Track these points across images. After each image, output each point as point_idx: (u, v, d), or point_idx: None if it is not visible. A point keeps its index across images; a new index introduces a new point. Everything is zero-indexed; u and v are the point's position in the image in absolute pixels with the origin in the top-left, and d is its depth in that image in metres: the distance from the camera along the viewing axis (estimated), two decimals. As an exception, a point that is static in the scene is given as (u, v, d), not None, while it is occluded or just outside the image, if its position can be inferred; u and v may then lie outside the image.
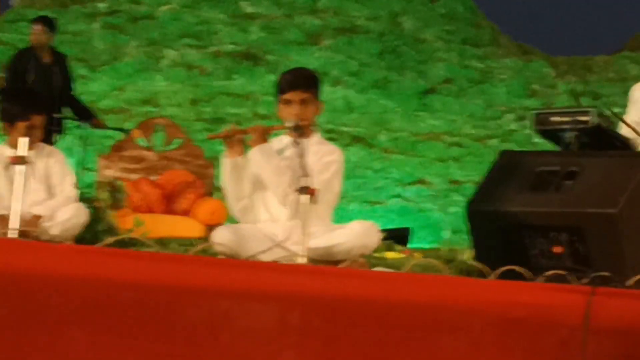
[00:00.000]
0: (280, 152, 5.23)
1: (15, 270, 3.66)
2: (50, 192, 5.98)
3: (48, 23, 10.00)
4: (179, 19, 15.02)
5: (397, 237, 10.18)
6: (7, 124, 6.08)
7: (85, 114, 10.16)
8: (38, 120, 6.00)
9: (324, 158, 5.20)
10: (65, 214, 5.80)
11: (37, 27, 9.88)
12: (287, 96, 5.20)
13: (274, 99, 5.37)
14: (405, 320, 3.83)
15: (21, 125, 5.94)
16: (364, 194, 14.12)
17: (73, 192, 6.14)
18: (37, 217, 5.69)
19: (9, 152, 5.60)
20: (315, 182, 4.77)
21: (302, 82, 5.28)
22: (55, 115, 9.18)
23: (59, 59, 10.08)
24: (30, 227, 5.52)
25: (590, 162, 4.84)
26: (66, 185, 6.04)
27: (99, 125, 10.34)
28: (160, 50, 14.78)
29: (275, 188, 5.12)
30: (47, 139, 7.56)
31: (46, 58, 9.87)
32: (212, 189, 10.56)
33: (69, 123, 10.07)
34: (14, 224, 5.05)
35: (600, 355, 3.79)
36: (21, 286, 3.64)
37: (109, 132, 11.71)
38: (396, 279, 4.28)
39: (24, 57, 9.94)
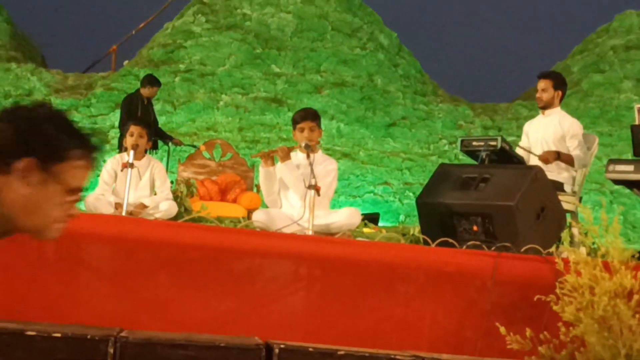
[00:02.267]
0: (297, 162, 5.22)
1: (124, 235, 3.66)
2: (152, 190, 5.91)
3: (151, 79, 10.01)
4: (231, 75, 14.99)
5: (370, 219, 10.15)
6: (124, 136, 5.95)
7: (168, 137, 10.21)
8: (137, 130, 5.83)
9: (327, 167, 5.18)
10: (165, 206, 5.71)
11: (145, 81, 9.89)
12: (301, 125, 5.17)
13: (292, 128, 5.35)
14: (376, 271, 3.82)
15: (131, 130, 5.82)
16: (348, 191, 14.10)
17: (170, 194, 6.06)
18: (144, 206, 5.65)
19: (125, 158, 5.54)
20: (320, 182, 4.77)
21: (311, 116, 5.25)
22: (153, 138, 9.21)
23: (152, 103, 10.05)
24: (138, 210, 5.52)
25: (497, 172, 4.80)
26: (165, 188, 5.94)
27: (178, 144, 10.36)
28: (219, 95, 14.74)
29: (296, 188, 5.11)
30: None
31: (147, 101, 9.84)
32: (252, 186, 10.55)
33: (159, 142, 10.07)
34: (125, 207, 5.09)
35: (502, 297, 3.79)
36: (128, 246, 3.64)
37: (185, 148, 11.71)
38: (371, 245, 4.27)
39: (135, 98, 9.87)
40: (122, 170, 5.51)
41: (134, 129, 5.80)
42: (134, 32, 17.03)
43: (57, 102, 14.36)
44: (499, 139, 5.22)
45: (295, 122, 5.26)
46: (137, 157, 5.68)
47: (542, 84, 5.88)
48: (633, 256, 3.53)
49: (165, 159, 10.31)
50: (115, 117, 11.54)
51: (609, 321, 3.33)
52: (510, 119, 15.78)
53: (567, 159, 5.65)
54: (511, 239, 4.31)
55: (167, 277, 3.64)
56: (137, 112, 9.59)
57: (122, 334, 3.08)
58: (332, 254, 3.83)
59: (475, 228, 4.57)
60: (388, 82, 15.79)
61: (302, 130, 5.17)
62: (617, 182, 5.35)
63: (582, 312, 3.38)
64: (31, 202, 1.75)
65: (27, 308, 3.45)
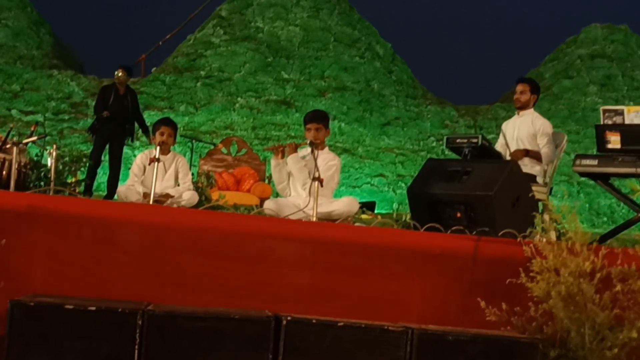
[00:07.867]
0: (303, 157, 5.22)
1: (152, 221, 3.65)
2: (177, 181, 5.90)
3: (127, 69, 8.73)
4: (246, 80, 14.98)
5: (368, 206, 10.15)
6: (153, 135, 5.93)
7: (146, 129, 8.89)
8: (167, 130, 5.82)
9: (329, 162, 5.18)
10: (187, 196, 5.69)
11: (120, 71, 8.59)
12: (308, 126, 5.22)
13: (299, 127, 5.35)
14: (372, 253, 3.80)
15: (162, 129, 5.79)
16: (348, 182, 14.10)
17: (192, 185, 6.02)
18: (169, 195, 5.64)
19: (153, 154, 5.51)
20: (322, 175, 4.75)
21: (315, 118, 5.27)
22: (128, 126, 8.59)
23: (130, 92, 8.84)
24: (163, 199, 5.51)
25: (478, 166, 4.78)
26: (187, 180, 5.92)
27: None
28: (235, 98, 14.74)
29: (301, 179, 5.12)
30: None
31: (122, 91, 8.65)
32: (264, 178, 10.56)
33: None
34: (152, 197, 5.08)
35: (482, 276, 3.77)
36: (155, 231, 3.62)
37: (206, 145, 11.69)
38: (368, 230, 4.26)
39: (109, 89, 8.67)
40: (149, 164, 5.52)
41: (164, 129, 5.83)
42: (160, 43, 17.01)
43: (93, 104, 14.39)
44: (480, 137, 5.20)
45: (304, 122, 5.29)
46: (164, 152, 5.69)
47: (521, 87, 5.88)
48: (594, 240, 3.53)
49: (188, 154, 10.29)
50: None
51: (574, 297, 3.33)
52: (490, 119, 15.75)
53: (535, 155, 5.68)
54: (490, 224, 4.29)
55: (189, 257, 3.63)
56: (108, 100, 8.51)
57: (149, 308, 3.09)
58: (334, 238, 3.81)
59: (458, 215, 4.55)
60: (383, 86, 15.76)
61: (309, 130, 5.21)
62: (583, 174, 5.33)
63: (551, 289, 3.37)
64: None
65: (65, 284, 3.45)
